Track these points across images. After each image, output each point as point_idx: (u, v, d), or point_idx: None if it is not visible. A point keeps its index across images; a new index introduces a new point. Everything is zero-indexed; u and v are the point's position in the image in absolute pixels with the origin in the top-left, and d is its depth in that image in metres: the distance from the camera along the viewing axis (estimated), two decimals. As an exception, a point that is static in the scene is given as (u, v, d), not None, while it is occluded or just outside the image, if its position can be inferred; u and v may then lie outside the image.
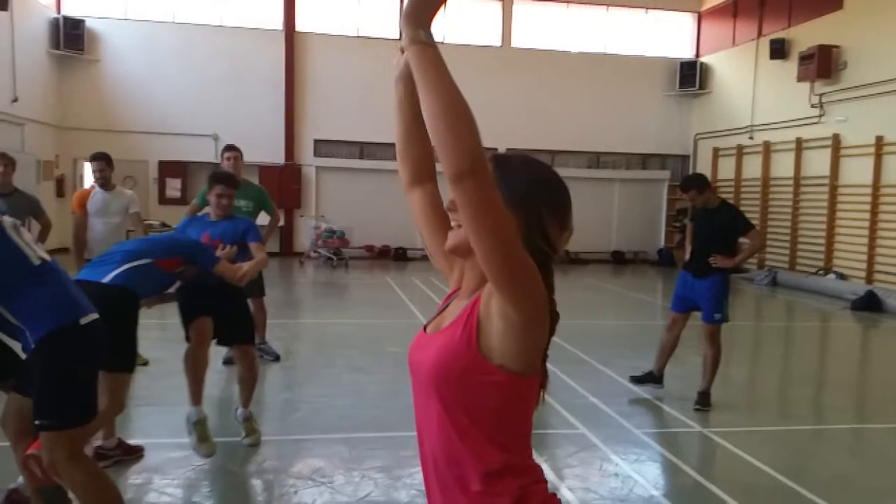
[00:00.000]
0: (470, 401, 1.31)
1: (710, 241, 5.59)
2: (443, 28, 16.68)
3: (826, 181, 13.56)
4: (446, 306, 1.48)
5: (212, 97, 16.05)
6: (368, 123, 15.65)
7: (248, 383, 4.47)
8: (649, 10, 18.00)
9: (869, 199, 12.54)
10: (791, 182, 14.57)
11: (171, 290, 4.13)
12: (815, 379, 7.27)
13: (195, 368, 4.20)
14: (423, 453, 1.41)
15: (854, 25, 13.07)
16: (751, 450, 4.62)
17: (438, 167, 1.32)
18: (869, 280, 12.36)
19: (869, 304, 11.17)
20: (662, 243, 18.18)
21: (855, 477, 4.42)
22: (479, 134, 1.18)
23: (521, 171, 1.38)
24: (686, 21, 18.31)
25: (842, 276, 12.93)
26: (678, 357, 6.09)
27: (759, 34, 15.75)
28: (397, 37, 1.43)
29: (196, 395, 4.18)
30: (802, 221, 14.41)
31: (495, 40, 17.47)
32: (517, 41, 17.51)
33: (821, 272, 13.46)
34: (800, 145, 14.33)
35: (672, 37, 18.26)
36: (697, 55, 18.10)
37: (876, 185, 12.43)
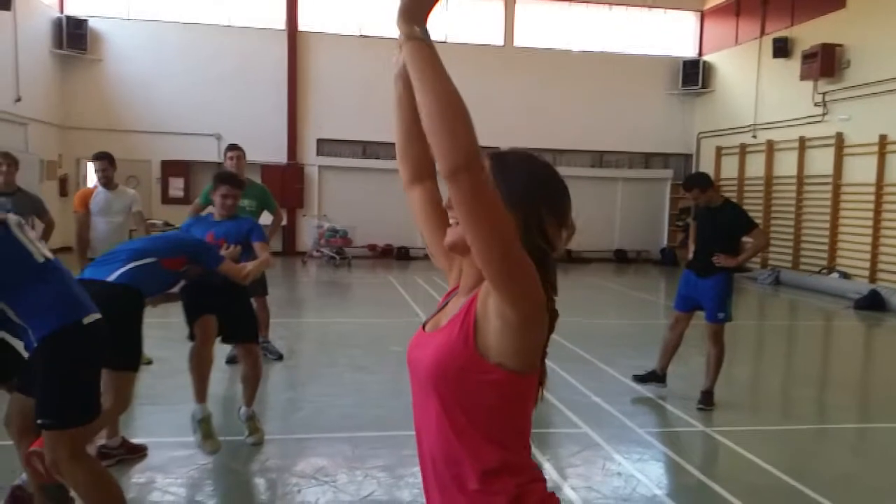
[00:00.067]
0: (467, 399, 1.31)
1: (714, 240, 5.59)
2: (445, 27, 16.69)
3: (829, 180, 13.53)
4: (445, 304, 1.48)
5: (214, 97, 16.06)
6: (371, 123, 15.64)
7: (252, 382, 4.48)
8: (652, 9, 17.96)
9: (872, 197, 12.51)
10: (794, 181, 14.55)
11: (176, 289, 4.14)
12: (819, 378, 7.26)
13: (200, 366, 4.22)
14: (422, 452, 1.41)
15: (857, 24, 13.03)
16: (754, 449, 4.62)
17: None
18: (872, 279, 12.33)
19: (872, 303, 11.15)
20: (665, 242, 18.15)
21: (858, 476, 4.41)
22: (475, 131, 1.17)
23: (519, 169, 1.37)
24: (689, 20, 18.28)
25: (845, 276, 12.91)
26: (681, 356, 6.08)
27: (762, 33, 15.71)
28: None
29: (201, 392, 4.20)
30: (806, 220, 14.38)
31: (497, 39, 17.46)
32: (519, 40, 17.50)
33: (824, 271, 13.43)
34: (803, 144, 14.30)
35: (675, 35, 18.23)
36: (700, 54, 18.07)
37: (879, 183, 12.39)
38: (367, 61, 15.74)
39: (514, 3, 17.39)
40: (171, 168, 16.16)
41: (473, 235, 1.18)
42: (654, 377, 5.92)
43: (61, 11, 15.46)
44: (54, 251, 2.98)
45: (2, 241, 2.67)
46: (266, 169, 15.60)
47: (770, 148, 15.25)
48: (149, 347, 5.63)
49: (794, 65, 14.25)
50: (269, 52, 16.34)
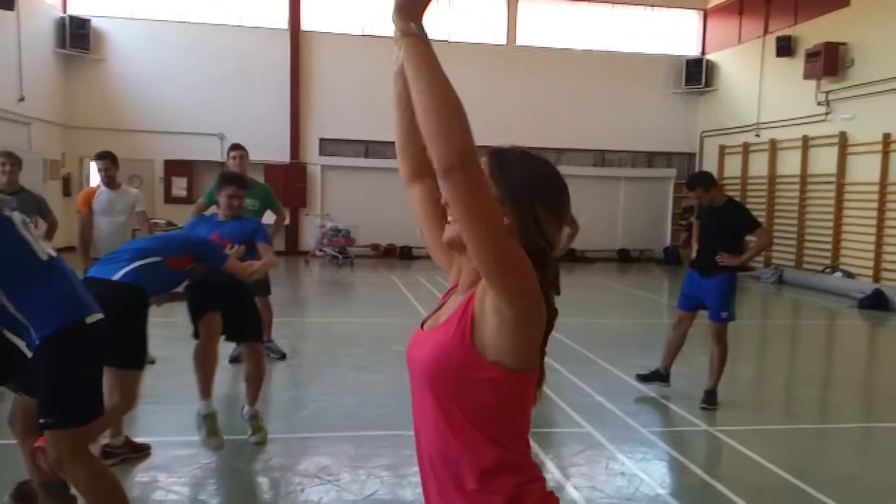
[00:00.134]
0: (465, 398, 1.30)
1: (717, 239, 5.58)
2: (448, 26, 16.68)
3: (833, 179, 13.51)
4: (444, 302, 1.47)
5: (217, 96, 16.07)
6: (373, 122, 15.61)
7: (255, 381, 4.48)
8: (655, 8, 17.94)
9: (876, 196, 12.48)
10: (797, 180, 14.52)
11: (180, 288, 4.15)
12: (822, 377, 7.25)
13: (205, 364, 4.23)
14: (420, 452, 1.40)
15: (861, 22, 13.00)
16: (757, 448, 4.61)
17: None
18: (876, 278, 12.30)
19: (876, 302, 11.12)
20: (668, 241, 18.13)
21: (861, 476, 4.40)
22: (470, 128, 1.16)
23: (517, 166, 1.36)
24: (692, 18, 18.25)
25: (849, 275, 12.88)
26: (684, 355, 6.07)
27: (766, 31, 15.68)
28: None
29: (206, 390, 4.21)
30: (809, 219, 14.36)
31: (500, 38, 17.44)
32: (522, 39, 17.48)
33: (827, 270, 13.40)
34: (806, 143, 14.27)
35: (678, 34, 18.20)
36: (703, 53, 18.04)
37: (883, 182, 12.36)
38: (370, 61, 15.72)
39: (517, 1, 17.38)
40: (174, 167, 16.18)
41: (469, 233, 1.18)
42: (658, 376, 5.91)
43: (64, 11, 15.48)
44: (57, 251, 2.98)
45: (5, 238, 2.67)
46: (269, 168, 15.62)
47: (773, 147, 15.23)
48: (153, 346, 5.61)
49: (797, 63, 14.22)
50: (272, 52, 16.34)
